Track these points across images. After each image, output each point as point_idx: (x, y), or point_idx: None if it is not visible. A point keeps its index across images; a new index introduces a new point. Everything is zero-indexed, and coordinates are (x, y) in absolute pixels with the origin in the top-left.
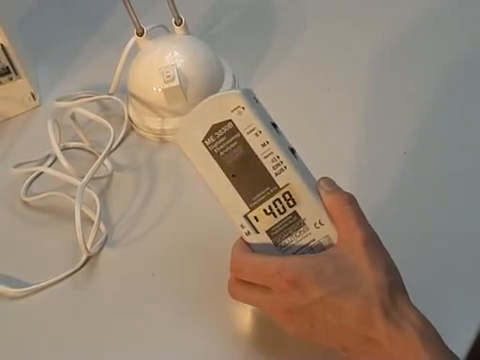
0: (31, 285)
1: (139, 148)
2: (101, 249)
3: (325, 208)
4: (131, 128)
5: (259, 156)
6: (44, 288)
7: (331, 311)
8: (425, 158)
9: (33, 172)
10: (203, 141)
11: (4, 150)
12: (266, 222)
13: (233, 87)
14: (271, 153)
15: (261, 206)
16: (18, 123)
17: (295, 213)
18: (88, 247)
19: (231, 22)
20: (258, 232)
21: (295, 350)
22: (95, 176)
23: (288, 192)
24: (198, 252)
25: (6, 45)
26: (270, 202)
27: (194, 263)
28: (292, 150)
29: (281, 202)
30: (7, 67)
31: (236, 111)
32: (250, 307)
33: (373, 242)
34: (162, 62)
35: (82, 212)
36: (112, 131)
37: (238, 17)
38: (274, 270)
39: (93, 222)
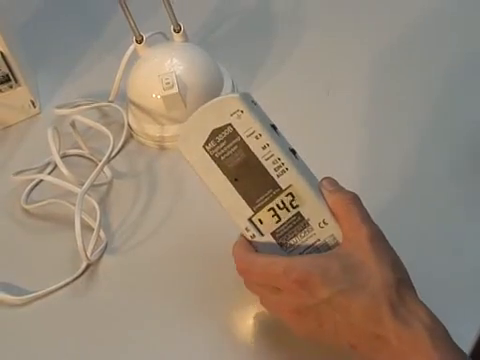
0: (31, 292)
1: (139, 155)
2: (101, 256)
3: (329, 207)
4: (131, 135)
5: (260, 159)
6: (44, 295)
7: (339, 310)
8: (426, 158)
9: (33, 179)
10: (204, 146)
11: (4, 158)
12: (271, 224)
13: (232, 93)
14: (272, 155)
15: (265, 208)
16: (18, 131)
17: (299, 214)
18: (88, 254)
19: (230, 29)
20: (263, 235)
21: (297, 353)
22: (95, 183)
23: (291, 193)
24: (198, 259)
25: (6, 53)
26: (274, 204)
27: (194, 270)
28: (293, 151)
29: (284, 203)
30: (7, 75)
31: (235, 115)
32: (250, 311)
33: (379, 239)
34: (161, 69)
35: (82, 219)
36: (112, 138)
37: (237, 24)
38: (281, 270)
39: (93, 229)
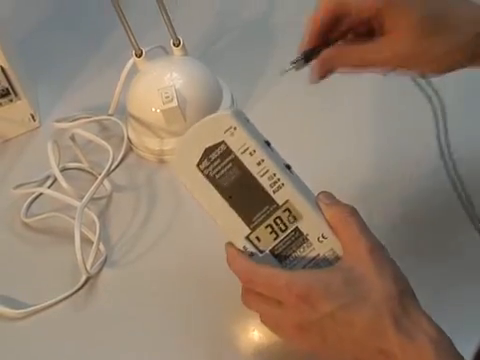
0: (31, 306)
1: (138, 169)
2: (101, 270)
3: (327, 221)
4: (130, 149)
5: (255, 175)
6: (44, 309)
7: (342, 324)
8: (427, 174)
9: (33, 193)
10: (197, 165)
11: (4, 171)
12: (269, 241)
13: (231, 107)
14: (267, 171)
15: (262, 226)
16: (18, 144)
17: (297, 229)
18: (88, 268)
19: (229, 43)
20: (262, 252)
21: None
22: (94, 197)
23: (288, 209)
24: (198, 272)
25: (6, 67)
26: (271, 221)
27: (194, 283)
28: (288, 166)
29: (282, 220)
30: (7, 89)
31: (228, 132)
32: (251, 324)
33: (378, 251)
34: (161, 83)
35: (82, 233)
36: (111, 152)
37: (236, 38)
38: (283, 282)
39: (93, 243)
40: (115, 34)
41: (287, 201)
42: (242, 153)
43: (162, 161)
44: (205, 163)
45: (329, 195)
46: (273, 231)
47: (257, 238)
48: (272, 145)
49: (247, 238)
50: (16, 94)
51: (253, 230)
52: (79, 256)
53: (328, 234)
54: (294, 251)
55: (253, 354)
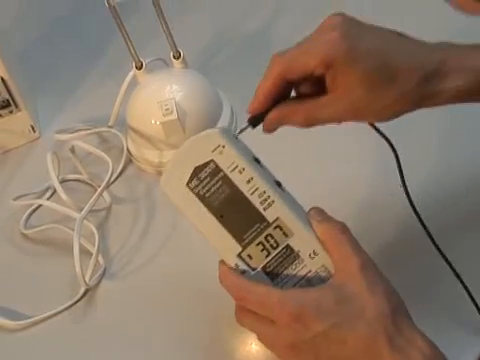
0: (30, 317)
1: (137, 181)
2: (99, 281)
3: (318, 238)
4: (130, 160)
5: (245, 193)
6: (42, 320)
7: (335, 343)
8: (421, 194)
9: (32, 204)
10: (187, 184)
11: (3, 182)
12: (260, 259)
13: (231, 120)
14: (257, 189)
15: (253, 243)
16: (18, 155)
17: (288, 246)
18: (86, 279)
19: (229, 55)
20: (254, 270)
21: None
22: (94, 208)
23: (279, 226)
24: (197, 284)
25: (6, 78)
26: (262, 238)
27: (193, 295)
28: (278, 183)
29: (273, 237)
30: (7, 100)
31: (217, 150)
32: (250, 336)
33: (370, 268)
34: (161, 95)
35: (81, 244)
36: (111, 164)
37: (236, 50)
38: (275, 301)
39: (92, 254)
40: (115, 46)
41: (278, 218)
42: (231, 171)
43: (161, 173)
44: (195, 182)
45: (320, 211)
46: (264, 248)
47: (249, 256)
48: (262, 162)
49: (239, 256)
50: (16, 105)
51: (244, 248)
52: (78, 268)
53: (319, 250)
54: (286, 268)
55: None
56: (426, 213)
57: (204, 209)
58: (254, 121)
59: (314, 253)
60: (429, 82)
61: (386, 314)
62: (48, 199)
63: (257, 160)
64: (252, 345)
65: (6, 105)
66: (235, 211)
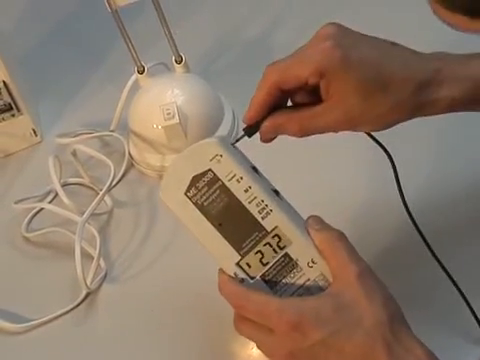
0: (31, 320)
1: (139, 185)
2: (101, 285)
3: (316, 246)
4: (131, 164)
5: (243, 202)
6: (44, 323)
7: (334, 352)
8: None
9: (34, 208)
10: (185, 193)
11: (5, 186)
12: (259, 267)
13: (233, 124)
14: (255, 198)
15: (252, 252)
16: (19, 159)
17: (287, 255)
18: (88, 283)
19: (231, 60)
20: (252, 278)
21: None
22: (95, 212)
23: (277, 235)
24: (198, 288)
25: (8, 82)
26: (260, 247)
27: (193, 300)
28: (276, 192)
29: (271, 246)
30: (9, 103)
31: (215, 159)
32: (249, 342)
33: (367, 276)
34: (162, 100)
35: (82, 248)
36: (112, 168)
37: (238, 54)
38: (273, 310)
39: (93, 258)
40: (117, 50)
41: (276, 227)
42: (229, 180)
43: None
44: (193, 191)
45: (318, 220)
46: (263, 257)
47: (247, 264)
48: (259, 171)
49: (237, 264)
50: (18, 109)
51: (243, 256)
52: (79, 271)
53: (318, 259)
54: (284, 277)
55: None
56: (423, 220)
57: (202, 218)
58: (250, 130)
59: (312, 262)
60: (424, 91)
61: (384, 322)
62: (50, 202)
63: (255, 169)
64: (252, 349)
65: (8, 109)
66: (233, 220)
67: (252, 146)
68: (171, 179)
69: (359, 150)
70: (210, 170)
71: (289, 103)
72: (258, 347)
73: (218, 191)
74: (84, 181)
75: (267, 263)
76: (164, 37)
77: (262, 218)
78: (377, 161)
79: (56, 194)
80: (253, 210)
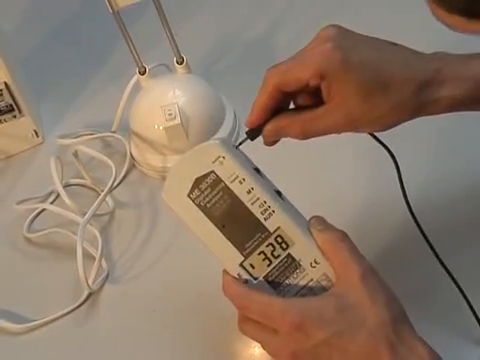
0: (33, 321)
1: (141, 185)
2: (102, 286)
3: (319, 247)
4: (133, 165)
5: (246, 203)
6: (45, 324)
7: (337, 352)
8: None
9: (36, 209)
10: (188, 195)
11: (7, 187)
12: (262, 268)
13: (234, 125)
14: (257, 199)
15: (255, 253)
16: (21, 160)
17: (289, 255)
18: (90, 283)
19: (233, 61)
20: (256, 279)
21: None
22: (97, 213)
23: (280, 235)
24: (200, 288)
25: (10, 83)
26: (263, 247)
27: (195, 300)
28: (278, 193)
29: (274, 246)
30: (11, 105)
31: (217, 161)
32: (252, 342)
33: (370, 276)
34: (164, 100)
35: (84, 249)
36: (114, 168)
37: (240, 56)
38: (276, 310)
39: (95, 259)
40: (119, 51)
41: (278, 228)
42: (232, 182)
43: (165, 178)
44: (196, 193)
45: (321, 220)
46: (266, 258)
47: (251, 265)
48: (262, 172)
49: (241, 265)
50: (20, 110)
51: (246, 257)
52: (81, 272)
53: (320, 259)
54: (288, 277)
55: None
56: (423, 219)
57: (205, 219)
58: (252, 134)
59: (315, 262)
60: (424, 91)
61: (387, 322)
62: (51, 203)
63: (257, 170)
64: (255, 349)
65: (9, 110)
66: (236, 221)
67: (254, 148)
68: (174, 181)
69: (360, 151)
70: (213, 172)
71: (291, 105)
72: (262, 347)
73: (221, 193)
74: (86, 182)
75: (270, 264)
76: (165, 38)
77: (265, 219)
78: (378, 161)
79: (58, 195)
80: (256, 211)
